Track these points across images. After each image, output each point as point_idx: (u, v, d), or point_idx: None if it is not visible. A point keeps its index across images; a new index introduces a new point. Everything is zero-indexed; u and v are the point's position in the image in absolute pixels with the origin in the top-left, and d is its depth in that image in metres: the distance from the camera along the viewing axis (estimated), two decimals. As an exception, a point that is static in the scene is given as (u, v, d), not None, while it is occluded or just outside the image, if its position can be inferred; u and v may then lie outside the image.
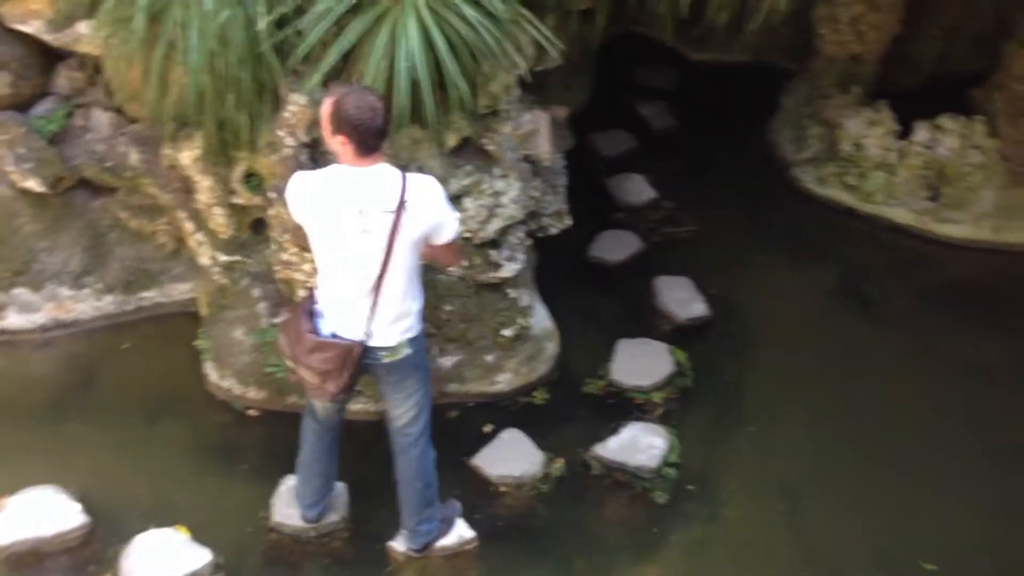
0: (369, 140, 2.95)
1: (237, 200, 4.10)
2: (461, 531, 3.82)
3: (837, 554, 3.92)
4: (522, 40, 3.89)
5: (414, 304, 3.29)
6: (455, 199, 3.96)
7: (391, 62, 3.49)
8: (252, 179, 4.04)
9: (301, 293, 4.09)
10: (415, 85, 3.54)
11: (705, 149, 6.54)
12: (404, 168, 3.81)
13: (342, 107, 2.91)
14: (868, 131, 5.75)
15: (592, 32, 4.84)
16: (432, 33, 3.38)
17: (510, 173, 4.02)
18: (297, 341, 3.25)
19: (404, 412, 3.48)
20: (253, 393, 4.29)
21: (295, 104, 3.71)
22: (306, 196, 3.09)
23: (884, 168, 5.76)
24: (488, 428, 4.33)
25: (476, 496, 4.01)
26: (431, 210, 3.10)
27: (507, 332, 4.30)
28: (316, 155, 3.86)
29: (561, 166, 4.53)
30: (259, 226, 4.27)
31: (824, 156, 6.01)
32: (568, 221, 4.43)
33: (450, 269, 4.02)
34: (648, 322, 5.03)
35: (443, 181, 3.90)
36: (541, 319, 4.60)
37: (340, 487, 3.92)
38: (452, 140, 3.89)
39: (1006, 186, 5.63)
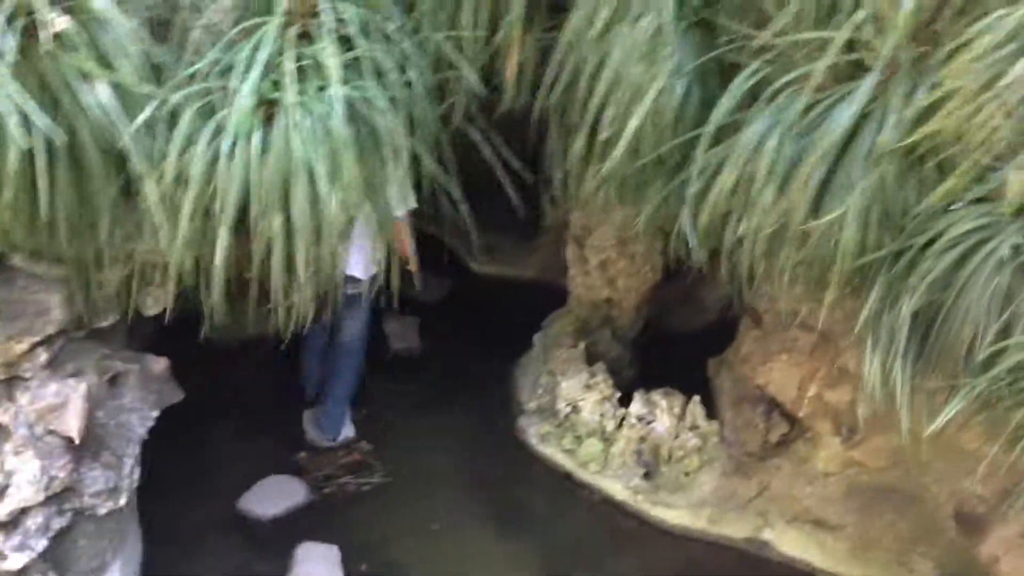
0: None
1: None
2: None
3: None
4: (52, 301, 3.38)
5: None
6: (-47, 477, 3.38)
7: None
8: None
9: None
10: None
11: (444, 380, 5.97)
12: None
13: None
14: (585, 394, 5.19)
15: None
16: None
17: (24, 450, 3.44)
18: None
19: None
20: None
21: None
22: None
23: (600, 436, 5.18)
24: None
25: None
26: None
27: (33, 631, 3.64)
28: None
29: (138, 434, 3.94)
30: None
31: (547, 411, 5.45)
32: (123, 500, 3.81)
33: None
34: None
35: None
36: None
37: None
38: (-52, 409, 3.34)
39: (727, 473, 5.03)
